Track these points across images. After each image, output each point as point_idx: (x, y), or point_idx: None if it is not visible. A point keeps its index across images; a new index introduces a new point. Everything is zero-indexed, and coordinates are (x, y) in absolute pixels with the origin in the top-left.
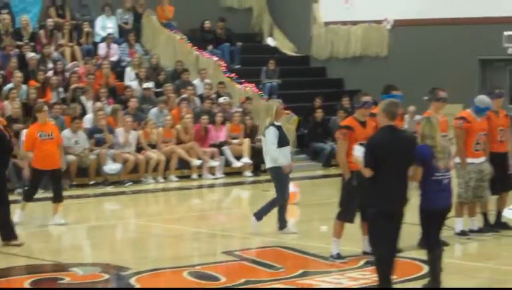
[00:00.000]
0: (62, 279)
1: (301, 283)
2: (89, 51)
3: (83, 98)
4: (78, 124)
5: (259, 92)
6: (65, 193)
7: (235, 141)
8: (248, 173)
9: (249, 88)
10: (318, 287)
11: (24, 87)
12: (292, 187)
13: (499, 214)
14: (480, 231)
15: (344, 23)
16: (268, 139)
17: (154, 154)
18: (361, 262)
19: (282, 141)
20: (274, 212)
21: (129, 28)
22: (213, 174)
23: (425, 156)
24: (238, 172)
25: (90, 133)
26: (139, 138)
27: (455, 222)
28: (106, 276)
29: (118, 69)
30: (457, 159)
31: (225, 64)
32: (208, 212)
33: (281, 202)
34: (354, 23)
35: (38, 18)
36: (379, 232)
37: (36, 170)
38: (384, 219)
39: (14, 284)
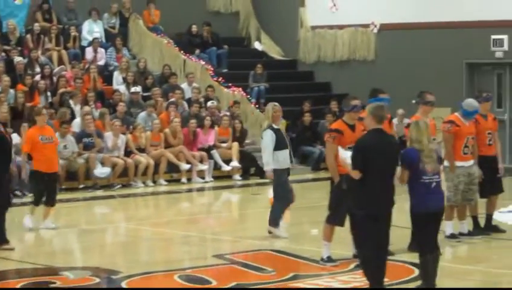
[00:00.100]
0: (53, 282)
1: (292, 286)
2: (76, 55)
3: (71, 102)
4: (67, 129)
5: (247, 96)
6: None
7: (223, 145)
8: (237, 177)
9: (237, 92)
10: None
11: (12, 91)
12: None
13: (488, 217)
14: (470, 234)
15: (331, 27)
16: (264, 142)
17: (143, 158)
18: (352, 265)
19: (279, 144)
20: (265, 215)
21: (116, 33)
22: (202, 178)
23: (412, 159)
24: (228, 176)
25: (79, 137)
26: (128, 142)
27: (445, 225)
28: (97, 280)
29: (105, 73)
30: (446, 163)
31: (212, 69)
32: (198, 215)
33: (282, 202)
34: (341, 27)
35: (25, 22)
36: (365, 234)
37: (39, 172)
38: (371, 221)
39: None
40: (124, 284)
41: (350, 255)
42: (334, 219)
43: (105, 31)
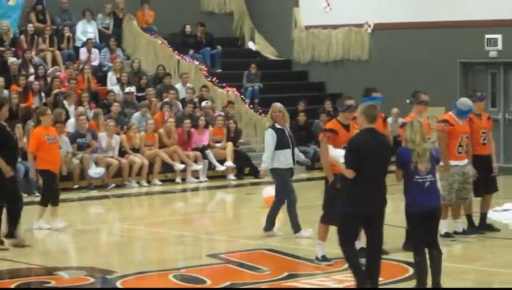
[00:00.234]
0: (48, 282)
1: (287, 285)
2: (70, 56)
3: (65, 102)
4: (61, 129)
5: (241, 96)
6: None
7: (218, 145)
8: (231, 177)
9: (231, 92)
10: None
11: (6, 92)
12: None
13: (483, 216)
14: (464, 232)
15: (325, 27)
16: (265, 141)
17: (137, 159)
18: (346, 264)
19: (281, 144)
20: (260, 215)
21: (110, 33)
22: (197, 177)
23: (405, 159)
24: (222, 176)
25: (73, 137)
26: (122, 142)
27: (439, 224)
28: (92, 279)
29: (99, 73)
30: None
31: (206, 69)
32: (192, 215)
33: (282, 203)
34: (335, 27)
35: (19, 23)
36: (349, 233)
37: (48, 171)
38: (358, 221)
39: None
40: (118, 284)
41: None
42: (328, 219)
43: (99, 31)
